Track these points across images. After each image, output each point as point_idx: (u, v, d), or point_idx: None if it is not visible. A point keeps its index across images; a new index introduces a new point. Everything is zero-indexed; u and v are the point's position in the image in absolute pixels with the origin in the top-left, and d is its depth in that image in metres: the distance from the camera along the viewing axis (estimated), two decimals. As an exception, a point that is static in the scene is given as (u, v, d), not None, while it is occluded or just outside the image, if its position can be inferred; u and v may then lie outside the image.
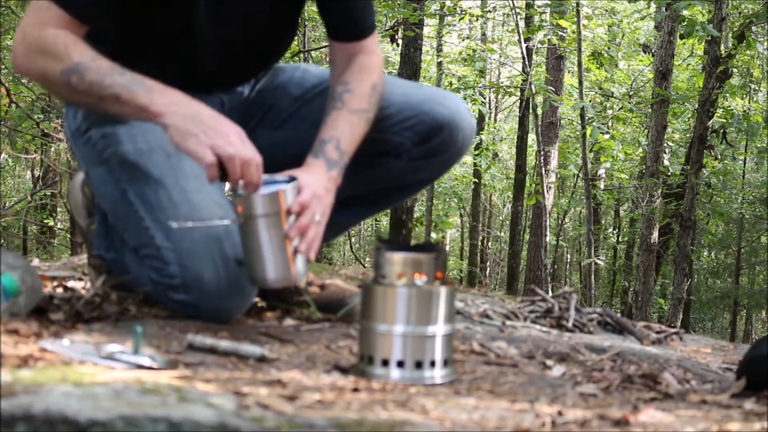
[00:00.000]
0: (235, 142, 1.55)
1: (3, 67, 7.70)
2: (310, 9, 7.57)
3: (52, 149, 9.20)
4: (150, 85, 1.58)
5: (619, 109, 11.42)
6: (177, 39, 1.78)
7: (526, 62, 8.91)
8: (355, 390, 1.22)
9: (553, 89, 9.37)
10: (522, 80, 9.94)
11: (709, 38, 7.14)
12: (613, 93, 11.78)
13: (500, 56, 12.93)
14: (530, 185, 11.05)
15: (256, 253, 1.57)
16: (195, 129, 1.54)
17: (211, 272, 1.66)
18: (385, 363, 1.34)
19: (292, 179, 1.61)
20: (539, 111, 9.16)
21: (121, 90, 1.58)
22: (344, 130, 1.74)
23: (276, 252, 1.56)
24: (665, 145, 9.34)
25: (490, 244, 17.66)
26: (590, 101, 10.33)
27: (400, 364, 1.34)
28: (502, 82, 13.61)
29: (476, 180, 14.22)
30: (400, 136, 1.87)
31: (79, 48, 1.61)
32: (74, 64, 1.59)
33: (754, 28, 7.35)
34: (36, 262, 2.84)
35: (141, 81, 1.59)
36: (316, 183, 1.63)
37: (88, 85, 1.59)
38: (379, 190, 1.98)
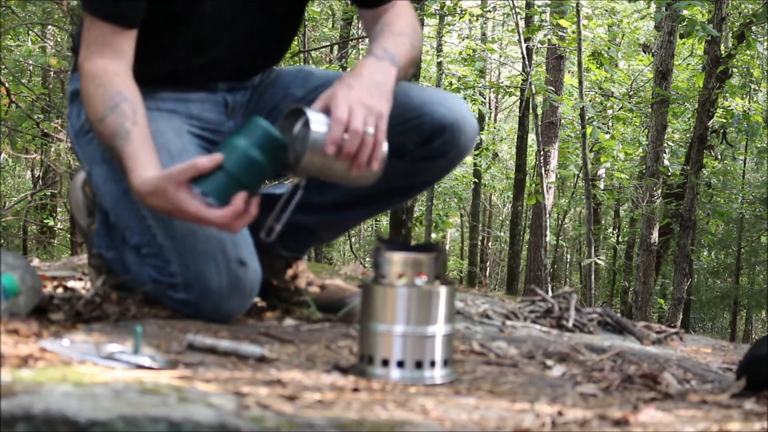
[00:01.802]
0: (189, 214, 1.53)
1: (3, 67, 7.70)
2: (310, 9, 7.57)
3: (52, 149, 9.20)
4: (132, 165, 1.57)
5: (619, 109, 11.42)
6: (179, 26, 1.79)
7: (526, 62, 8.91)
8: (355, 390, 1.22)
9: (553, 89, 9.37)
10: (522, 80, 9.95)
11: (709, 38, 7.14)
12: (613, 93, 11.78)
13: (500, 56, 12.94)
14: (530, 185, 11.05)
15: (340, 183, 1.59)
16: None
17: (212, 271, 1.66)
18: (385, 363, 1.34)
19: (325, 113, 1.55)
20: (539, 111, 9.16)
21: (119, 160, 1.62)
22: (388, 41, 1.71)
23: (352, 177, 1.56)
24: (665, 145, 9.34)
25: (490, 244, 17.66)
26: (590, 101, 10.33)
27: (400, 364, 1.34)
28: (502, 82, 13.61)
29: (476, 180, 14.22)
30: (403, 137, 1.86)
31: (98, 99, 1.64)
32: (91, 120, 1.66)
33: (754, 28, 7.35)
34: (36, 262, 2.84)
35: (135, 155, 1.58)
36: (353, 99, 1.53)
37: (106, 140, 1.64)
38: (381, 191, 1.98)
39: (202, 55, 1.85)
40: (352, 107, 1.53)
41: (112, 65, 1.67)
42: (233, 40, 1.86)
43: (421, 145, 1.87)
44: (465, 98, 10.35)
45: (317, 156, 1.52)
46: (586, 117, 8.29)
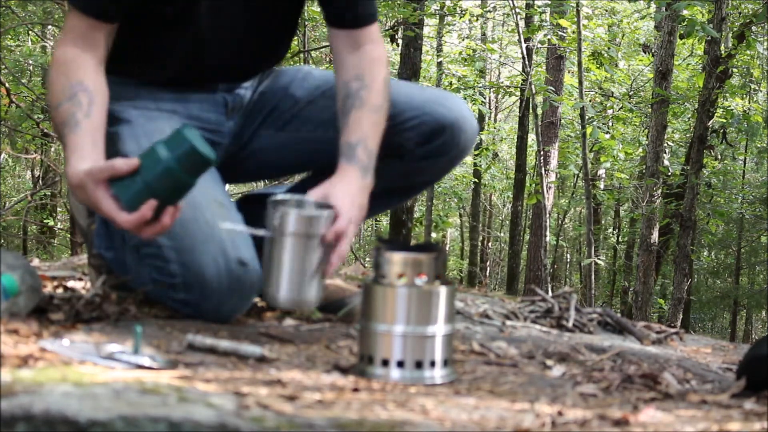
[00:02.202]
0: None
1: (3, 67, 7.70)
2: (310, 9, 7.57)
3: (52, 149, 9.21)
4: (70, 156, 1.56)
5: (619, 109, 11.42)
6: (178, 27, 1.79)
7: (526, 62, 8.91)
8: (355, 390, 1.22)
9: (553, 89, 9.37)
10: (522, 80, 9.95)
11: (709, 38, 7.14)
12: (613, 93, 11.78)
13: (500, 56, 12.94)
14: (530, 185, 11.05)
15: (275, 269, 1.55)
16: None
17: (212, 271, 1.66)
18: (385, 363, 1.34)
19: (327, 207, 1.59)
20: (539, 111, 9.16)
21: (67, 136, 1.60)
22: (369, 130, 1.74)
23: (295, 273, 1.55)
24: (665, 145, 9.34)
25: (490, 244, 17.65)
26: (590, 101, 10.33)
27: (400, 364, 1.34)
28: (502, 82, 13.61)
29: (476, 180, 14.23)
30: (403, 136, 1.87)
31: (58, 86, 1.64)
32: (49, 106, 1.67)
33: (754, 28, 7.35)
34: (36, 262, 2.84)
35: (76, 146, 1.57)
36: (352, 203, 1.61)
37: (54, 128, 1.66)
38: (381, 191, 1.98)
39: (201, 58, 1.85)
40: (349, 223, 1.59)
41: (81, 56, 1.68)
42: (231, 42, 1.85)
43: (421, 144, 1.87)
44: (465, 98, 10.36)
45: (303, 234, 1.53)
46: (586, 117, 8.29)
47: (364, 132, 1.73)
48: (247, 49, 1.89)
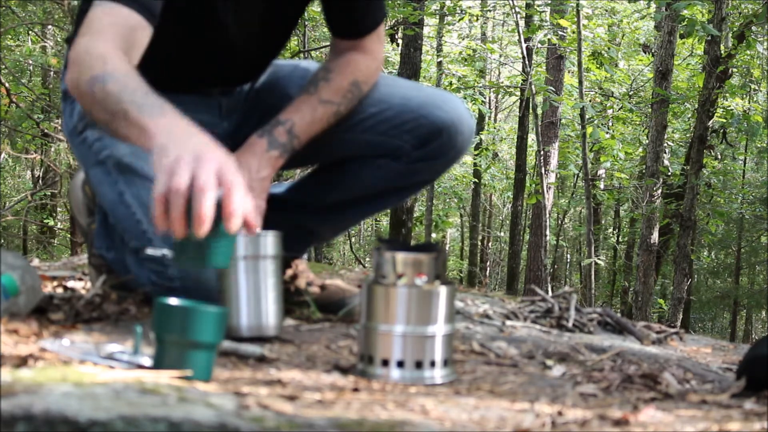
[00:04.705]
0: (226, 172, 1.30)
1: (3, 67, 7.71)
2: (310, 9, 7.57)
3: (52, 149, 9.20)
4: (163, 111, 1.37)
5: (619, 109, 11.42)
6: (200, 35, 1.79)
7: (526, 62, 8.91)
8: (355, 390, 1.22)
9: (553, 89, 9.37)
10: (522, 80, 9.95)
11: (709, 38, 7.14)
12: (613, 93, 11.78)
13: (500, 56, 12.94)
14: (530, 185, 11.06)
15: (230, 297, 1.55)
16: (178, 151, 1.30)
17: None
18: (385, 363, 1.34)
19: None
20: (539, 111, 9.16)
21: (132, 108, 1.37)
22: (304, 116, 1.76)
23: (252, 298, 1.55)
24: (665, 145, 9.34)
25: (490, 244, 17.65)
26: (590, 101, 10.33)
27: (400, 364, 1.34)
28: (502, 82, 13.61)
29: (476, 180, 14.23)
30: (399, 139, 1.86)
31: (116, 60, 1.45)
32: (104, 73, 1.43)
33: (754, 28, 7.35)
34: (36, 262, 2.84)
35: (160, 106, 1.38)
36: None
37: (106, 96, 1.40)
38: (378, 191, 1.98)
39: (197, 66, 1.85)
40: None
41: (118, 51, 1.49)
42: (228, 52, 1.85)
43: (418, 146, 1.87)
44: (465, 98, 10.36)
45: (252, 256, 1.55)
46: (586, 117, 8.29)
47: (299, 116, 1.75)
48: (249, 58, 1.89)
